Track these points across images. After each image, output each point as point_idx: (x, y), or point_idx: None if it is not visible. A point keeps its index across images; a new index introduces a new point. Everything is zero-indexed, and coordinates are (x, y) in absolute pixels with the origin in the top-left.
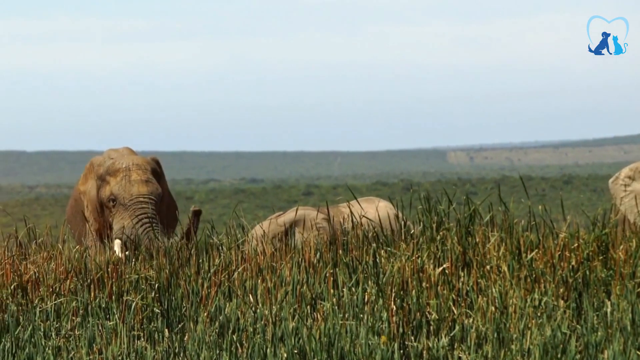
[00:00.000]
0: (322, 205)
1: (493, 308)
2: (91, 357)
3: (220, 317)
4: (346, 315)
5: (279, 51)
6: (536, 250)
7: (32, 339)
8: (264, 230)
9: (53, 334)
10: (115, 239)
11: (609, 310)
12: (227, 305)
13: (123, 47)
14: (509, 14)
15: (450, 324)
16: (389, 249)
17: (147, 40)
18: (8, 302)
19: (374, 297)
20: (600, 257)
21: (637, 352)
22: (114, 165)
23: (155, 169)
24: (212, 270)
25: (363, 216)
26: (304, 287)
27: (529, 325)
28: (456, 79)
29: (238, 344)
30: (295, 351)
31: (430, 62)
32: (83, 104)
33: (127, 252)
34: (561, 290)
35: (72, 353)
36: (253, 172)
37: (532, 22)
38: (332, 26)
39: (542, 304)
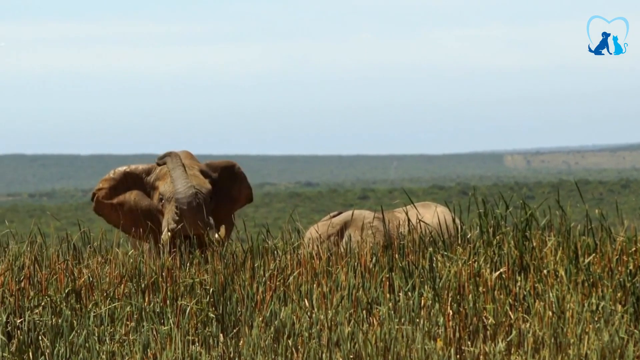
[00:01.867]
0: (377, 210)
1: (550, 313)
2: None
3: (276, 322)
4: (402, 320)
5: (334, 54)
6: (593, 254)
7: (86, 344)
8: (319, 234)
9: (107, 338)
10: (163, 229)
11: None
12: (283, 310)
13: (178, 50)
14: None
15: (507, 328)
16: (445, 253)
17: (202, 43)
18: (62, 306)
19: (430, 301)
20: None
21: None
22: (162, 171)
23: (206, 172)
24: (267, 275)
25: (420, 220)
26: (360, 292)
27: (587, 330)
28: (513, 81)
29: (293, 349)
30: (351, 356)
31: (487, 65)
32: (138, 107)
33: (170, 232)
34: (619, 294)
35: (127, 358)
36: (308, 175)
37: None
38: (388, 29)
39: (600, 308)
